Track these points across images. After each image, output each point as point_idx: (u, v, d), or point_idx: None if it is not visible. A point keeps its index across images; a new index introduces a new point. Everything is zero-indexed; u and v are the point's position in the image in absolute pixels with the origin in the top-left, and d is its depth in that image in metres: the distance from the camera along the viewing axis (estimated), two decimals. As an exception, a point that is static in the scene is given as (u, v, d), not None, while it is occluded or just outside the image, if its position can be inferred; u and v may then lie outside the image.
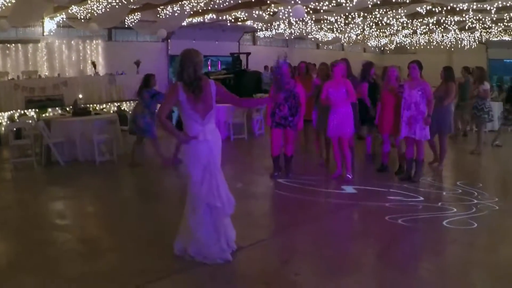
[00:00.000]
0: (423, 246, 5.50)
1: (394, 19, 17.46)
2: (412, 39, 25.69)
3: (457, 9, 14.54)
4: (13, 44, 15.96)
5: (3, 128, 12.91)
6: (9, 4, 12.38)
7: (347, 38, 24.22)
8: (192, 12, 15.59)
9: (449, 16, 17.25)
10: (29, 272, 4.83)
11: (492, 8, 13.86)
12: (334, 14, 16.84)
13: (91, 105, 14.49)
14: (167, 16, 15.53)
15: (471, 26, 19.23)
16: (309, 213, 6.77)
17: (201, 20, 17.99)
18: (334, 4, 14.31)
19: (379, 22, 18.25)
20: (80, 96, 12.69)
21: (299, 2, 12.35)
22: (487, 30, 21.08)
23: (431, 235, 5.80)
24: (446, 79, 9.27)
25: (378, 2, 13.46)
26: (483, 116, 10.76)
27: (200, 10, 15.42)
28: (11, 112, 13.62)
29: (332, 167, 9.02)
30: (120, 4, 13.06)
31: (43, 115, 13.45)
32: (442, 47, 25.75)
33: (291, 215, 6.71)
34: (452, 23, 18.62)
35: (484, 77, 11.18)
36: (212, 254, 4.87)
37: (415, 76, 8.12)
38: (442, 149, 9.26)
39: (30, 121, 11.87)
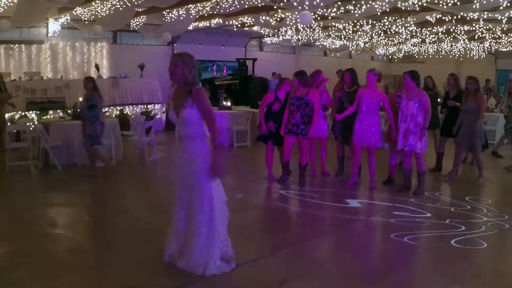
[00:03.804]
0: (430, 268, 5.18)
1: (403, 27, 17.17)
2: (420, 48, 25.37)
3: (468, 18, 14.25)
4: (17, 45, 15.81)
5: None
6: (11, 4, 12.18)
7: (355, 45, 23.95)
8: (198, 16, 15.37)
9: (459, 25, 16.96)
10: (12, 284, 4.58)
11: (503, 17, 13.57)
12: (342, 21, 16.57)
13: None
14: (173, 19, 15.31)
15: (480, 36, 18.93)
16: (310, 228, 6.49)
17: (207, 24, 17.78)
18: (342, 11, 14.07)
19: (388, 30, 17.97)
20: (81, 99, 12.42)
21: (307, 8, 12.09)
22: (497, 40, 20.77)
23: (438, 255, 5.50)
24: (476, 91, 8.98)
25: (387, 10, 13.19)
26: None
27: (206, 15, 15.20)
28: (12, 113, 13.40)
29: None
30: (124, 6, 12.85)
31: (44, 117, 13.25)
32: (450, 56, 25.44)
33: (291, 230, 6.45)
34: (462, 33, 18.33)
35: None
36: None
37: (409, 87, 7.88)
38: (478, 162, 9.12)
39: (29, 123, 11.67)
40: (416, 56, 28.11)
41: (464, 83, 9.30)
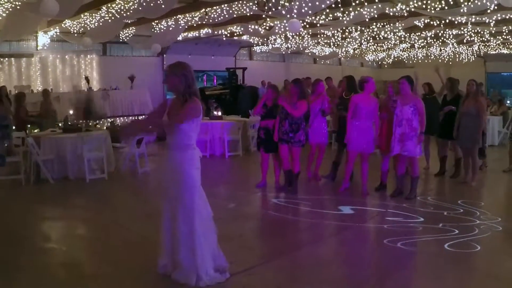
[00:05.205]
0: (424, 272, 5.19)
1: (392, 33, 17.27)
2: (409, 53, 25.52)
3: (456, 22, 14.34)
4: (6, 58, 15.76)
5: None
6: (0, 18, 12.14)
7: (344, 52, 24.04)
8: (187, 27, 15.40)
9: (447, 30, 17.06)
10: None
11: (491, 21, 13.65)
12: (331, 28, 16.63)
13: (83, 121, 14.22)
14: (162, 30, 15.34)
15: (469, 39, 19.06)
16: (304, 236, 6.50)
17: (197, 34, 17.80)
18: (331, 18, 14.13)
19: (377, 36, 18.06)
20: (71, 112, 12.40)
21: (295, 16, 12.14)
22: (486, 43, 20.91)
23: (432, 259, 5.49)
24: (476, 94, 9.05)
25: (376, 16, 13.26)
26: None
27: (195, 25, 15.23)
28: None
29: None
30: (113, 18, 12.85)
31: (35, 131, 13.16)
32: (440, 61, 25.56)
33: (285, 238, 6.42)
34: (450, 37, 18.44)
35: None
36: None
37: (405, 93, 7.92)
38: (474, 166, 9.15)
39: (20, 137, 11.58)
40: (406, 61, 28.25)
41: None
